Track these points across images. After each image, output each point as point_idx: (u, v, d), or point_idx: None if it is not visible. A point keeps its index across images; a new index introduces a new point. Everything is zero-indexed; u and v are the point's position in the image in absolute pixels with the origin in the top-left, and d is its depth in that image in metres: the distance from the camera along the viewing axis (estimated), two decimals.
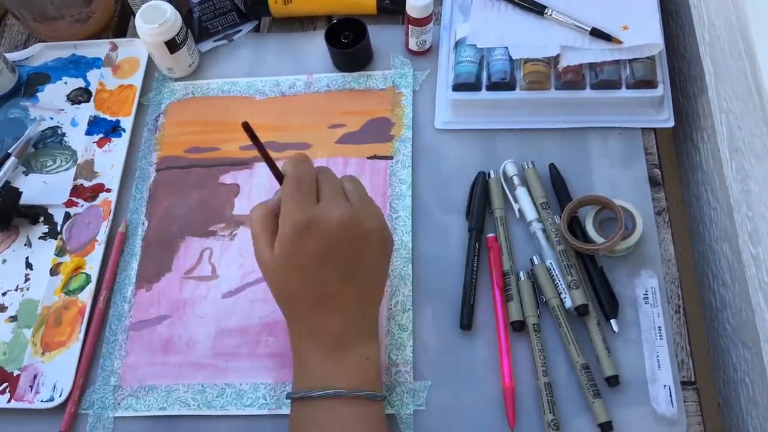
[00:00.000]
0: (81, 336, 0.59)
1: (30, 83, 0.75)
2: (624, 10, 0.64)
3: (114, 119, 0.71)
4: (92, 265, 0.63)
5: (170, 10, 0.67)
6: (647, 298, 0.56)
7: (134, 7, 0.73)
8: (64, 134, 0.72)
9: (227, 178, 0.67)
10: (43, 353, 0.60)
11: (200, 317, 0.60)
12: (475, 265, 0.58)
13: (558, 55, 0.63)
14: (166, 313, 0.61)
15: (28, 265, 0.65)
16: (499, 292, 0.57)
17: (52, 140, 0.71)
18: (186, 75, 0.73)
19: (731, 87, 0.55)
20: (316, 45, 0.73)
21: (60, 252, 0.64)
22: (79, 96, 0.74)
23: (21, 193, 0.66)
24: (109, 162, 0.69)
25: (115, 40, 0.76)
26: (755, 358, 0.53)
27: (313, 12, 0.75)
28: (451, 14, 0.71)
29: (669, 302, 0.57)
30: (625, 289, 0.57)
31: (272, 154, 0.68)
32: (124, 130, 0.70)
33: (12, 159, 0.69)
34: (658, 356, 0.54)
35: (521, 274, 0.58)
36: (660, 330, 0.55)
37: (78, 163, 0.69)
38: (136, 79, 0.73)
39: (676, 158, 0.73)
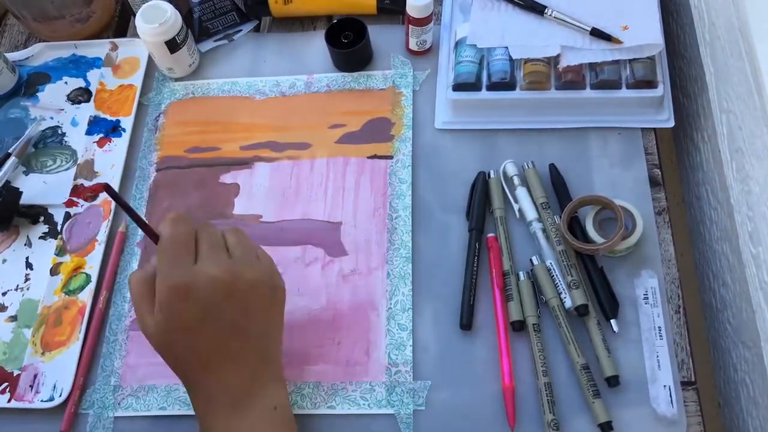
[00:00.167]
0: (81, 336, 0.59)
1: (30, 83, 0.75)
2: (624, 10, 0.64)
3: (114, 119, 0.71)
4: (92, 264, 0.63)
5: (170, 10, 0.67)
6: (647, 298, 0.56)
7: (134, 6, 0.73)
8: (64, 134, 0.72)
9: (227, 178, 0.67)
10: (43, 353, 0.60)
11: None
12: (475, 265, 0.58)
13: (558, 55, 0.63)
14: None
15: (29, 265, 0.65)
16: (499, 292, 0.57)
17: (52, 140, 0.71)
18: (186, 75, 0.73)
19: (732, 87, 0.55)
20: (316, 45, 0.73)
21: (60, 252, 0.64)
22: (80, 96, 0.74)
23: (21, 193, 0.66)
24: (109, 162, 0.69)
25: (116, 40, 0.76)
26: (755, 358, 0.52)
27: (313, 12, 0.75)
28: (451, 14, 0.71)
29: (669, 302, 0.57)
30: (625, 289, 0.57)
31: (272, 154, 0.68)
32: (124, 130, 0.70)
33: (12, 159, 0.69)
34: (658, 356, 0.54)
35: (521, 274, 0.58)
36: (660, 330, 0.55)
37: (78, 162, 0.69)
38: (137, 79, 0.73)
39: (677, 158, 0.73)
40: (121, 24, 0.81)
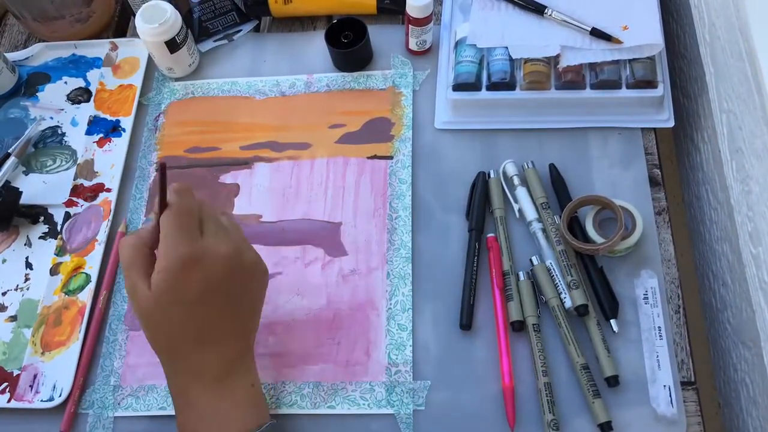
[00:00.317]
0: (81, 336, 0.59)
1: (30, 83, 0.75)
2: (624, 10, 0.64)
3: (114, 119, 0.71)
4: (92, 264, 0.63)
5: (170, 10, 0.67)
6: (647, 298, 0.56)
7: (134, 6, 0.73)
8: (64, 134, 0.72)
9: (227, 178, 0.67)
10: (43, 353, 0.60)
11: None
12: (475, 265, 0.58)
13: (558, 55, 0.63)
14: None
15: (28, 265, 0.65)
16: (498, 292, 0.57)
17: (52, 140, 0.71)
18: (186, 75, 0.73)
19: (732, 87, 0.55)
20: (316, 45, 0.73)
21: (60, 252, 0.64)
22: (79, 96, 0.74)
23: (21, 192, 0.66)
24: (109, 162, 0.69)
25: (115, 40, 0.76)
26: (755, 358, 0.52)
27: (313, 12, 0.75)
28: (451, 14, 0.71)
29: (669, 302, 0.57)
30: (625, 289, 0.57)
31: (272, 154, 0.68)
32: (124, 130, 0.70)
33: (12, 159, 0.69)
34: (657, 356, 0.54)
35: (521, 274, 0.58)
36: (660, 330, 0.55)
37: (78, 162, 0.69)
38: (136, 79, 0.73)
39: (677, 158, 0.73)
40: (121, 24, 0.81)
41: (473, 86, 0.64)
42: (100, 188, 0.67)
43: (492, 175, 0.62)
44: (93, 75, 0.75)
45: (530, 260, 0.58)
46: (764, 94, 0.47)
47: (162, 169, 0.46)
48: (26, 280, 0.64)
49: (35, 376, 0.59)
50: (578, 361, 0.53)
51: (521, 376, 0.55)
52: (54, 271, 0.63)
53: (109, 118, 0.71)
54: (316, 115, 0.69)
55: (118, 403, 0.57)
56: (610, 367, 0.53)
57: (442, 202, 0.63)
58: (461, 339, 0.57)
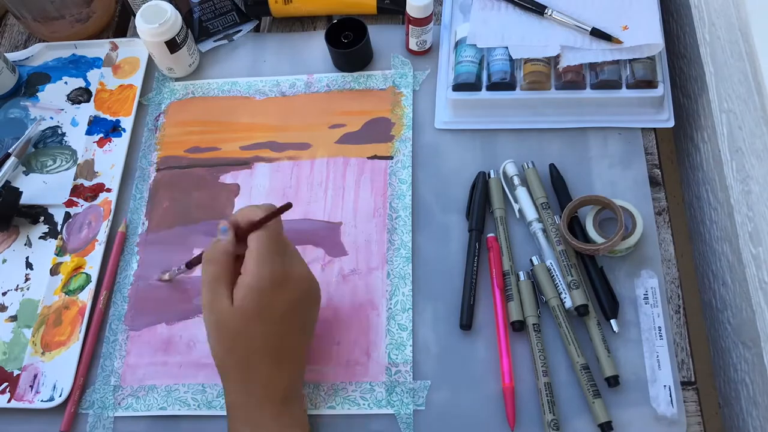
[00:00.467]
0: (81, 336, 0.59)
1: (30, 83, 0.75)
2: (624, 10, 0.64)
3: (114, 119, 0.71)
4: (92, 264, 0.63)
5: (170, 10, 0.67)
6: (647, 298, 0.56)
7: (134, 7, 0.73)
8: (64, 134, 0.72)
9: (227, 178, 0.67)
10: (43, 353, 0.60)
11: (200, 317, 0.60)
12: (475, 265, 0.58)
13: (558, 55, 0.63)
14: (166, 313, 0.61)
15: (29, 265, 0.65)
16: (499, 292, 0.57)
17: (52, 140, 0.71)
18: (186, 75, 0.73)
19: (732, 87, 0.55)
20: (316, 45, 0.73)
21: (60, 252, 0.64)
22: (80, 96, 0.74)
23: (21, 192, 0.66)
24: (109, 162, 0.69)
25: (116, 40, 0.76)
26: (755, 358, 0.52)
27: (313, 12, 0.75)
28: (452, 14, 0.71)
29: (669, 302, 0.57)
30: (625, 289, 0.57)
31: (272, 154, 0.68)
32: (124, 130, 0.70)
33: (12, 159, 0.69)
34: (658, 356, 0.54)
35: (521, 274, 0.58)
36: (660, 330, 0.55)
37: (78, 162, 0.69)
38: (137, 79, 0.73)
39: (677, 158, 0.73)
40: (121, 24, 0.81)
41: (473, 86, 0.64)
42: (100, 188, 0.67)
43: (492, 175, 0.62)
44: (93, 75, 0.75)
45: (530, 260, 0.58)
46: (764, 94, 0.47)
47: (287, 208, 0.48)
48: (26, 280, 0.64)
49: (35, 376, 0.59)
50: (578, 361, 0.53)
51: (521, 376, 0.55)
52: (54, 271, 0.63)
53: (109, 118, 0.71)
54: (316, 115, 0.69)
55: (118, 404, 0.57)
56: (611, 367, 0.53)
57: (442, 202, 0.63)
58: (461, 339, 0.57)
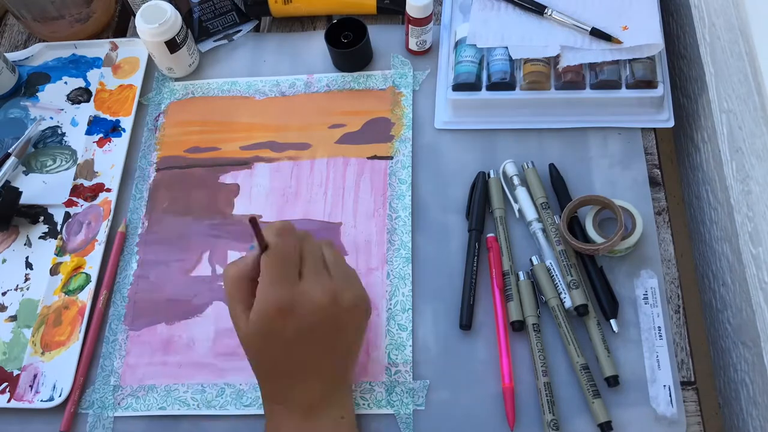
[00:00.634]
0: (81, 336, 0.59)
1: (30, 83, 0.75)
2: (624, 10, 0.64)
3: (114, 119, 0.71)
4: (92, 264, 0.63)
5: (170, 10, 0.67)
6: (647, 298, 0.56)
7: (134, 7, 0.73)
8: (64, 134, 0.72)
9: (227, 178, 0.67)
10: (42, 353, 0.60)
11: (200, 317, 0.60)
12: (474, 265, 0.58)
13: (558, 55, 0.63)
14: (166, 313, 0.61)
15: (28, 265, 0.65)
16: (498, 292, 0.57)
17: (52, 140, 0.71)
18: (186, 75, 0.73)
19: (732, 87, 0.55)
20: (316, 45, 0.73)
21: (60, 252, 0.64)
22: (79, 96, 0.74)
23: (21, 192, 0.66)
24: (109, 162, 0.69)
25: (115, 40, 0.76)
26: (755, 358, 0.52)
27: (313, 12, 0.75)
28: (451, 14, 0.71)
29: (669, 302, 0.57)
30: (625, 289, 0.57)
31: (272, 155, 0.68)
32: (124, 130, 0.70)
33: (12, 159, 0.69)
34: (657, 356, 0.54)
35: (521, 274, 0.58)
36: (660, 330, 0.55)
37: (78, 162, 0.69)
38: (136, 79, 0.73)
39: (676, 158, 0.73)
40: (121, 24, 0.81)
41: (473, 86, 0.64)
42: (100, 188, 0.67)
43: (492, 175, 0.62)
44: (93, 75, 0.75)
45: (530, 260, 0.58)
46: (764, 94, 0.47)
47: (252, 222, 0.45)
48: (26, 280, 0.64)
49: (35, 376, 0.59)
50: (578, 361, 0.53)
51: (521, 376, 0.55)
52: (54, 271, 0.63)
53: (109, 118, 0.71)
54: (316, 115, 0.69)
55: (118, 403, 0.57)
56: (610, 367, 0.53)
57: (442, 202, 0.63)
58: (461, 339, 0.57)
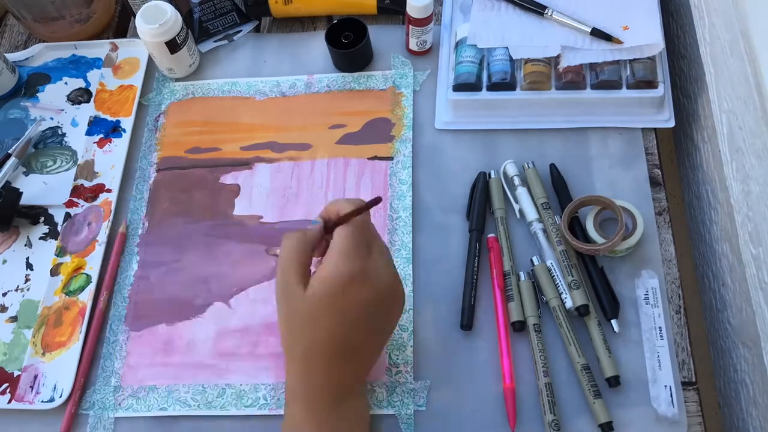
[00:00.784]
0: (81, 336, 0.59)
1: (30, 83, 0.75)
2: (624, 10, 0.64)
3: (114, 119, 0.71)
4: (92, 265, 0.63)
5: (170, 11, 0.67)
6: (648, 298, 0.56)
7: (134, 7, 0.73)
8: (64, 134, 0.72)
9: (228, 179, 0.67)
10: (43, 354, 0.60)
11: (201, 318, 0.60)
12: (475, 265, 0.58)
13: (558, 56, 0.63)
14: (166, 313, 0.61)
15: (29, 266, 0.65)
16: (499, 293, 0.57)
17: (52, 140, 0.71)
18: (186, 75, 0.73)
19: (732, 87, 0.55)
20: (316, 45, 0.73)
21: (60, 252, 0.64)
22: (80, 96, 0.74)
23: (21, 193, 0.66)
24: (109, 162, 0.69)
25: (116, 41, 0.76)
26: (755, 359, 0.52)
27: (314, 12, 0.75)
28: (452, 14, 0.71)
29: (669, 302, 0.57)
30: (626, 289, 0.57)
31: (272, 155, 0.68)
32: (124, 131, 0.70)
33: (12, 159, 0.69)
34: (658, 356, 0.54)
35: (522, 274, 0.58)
36: (660, 330, 0.55)
37: (78, 163, 0.69)
38: (137, 80, 0.73)
39: (677, 158, 0.73)
40: (121, 24, 0.81)
41: (473, 86, 0.64)
42: (100, 189, 0.67)
43: (492, 176, 0.62)
44: (93, 75, 0.75)
45: (531, 260, 0.58)
46: (764, 94, 0.47)
47: (377, 202, 0.47)
48: (27, 280, 0.64)
49: (36, 377, 0.59)
50: (579, 362, 0.53)
51: (522, 376, 0.55)
52: (54, 271, 0.63)
53: (110, 118, 0.71)
54: (317, 116, 0.69)
55: (119, 404, 0.57)
56: (611, 368, 0.53)
57: (443, 202, 0.63)
58: (462, 339, 0.57)
